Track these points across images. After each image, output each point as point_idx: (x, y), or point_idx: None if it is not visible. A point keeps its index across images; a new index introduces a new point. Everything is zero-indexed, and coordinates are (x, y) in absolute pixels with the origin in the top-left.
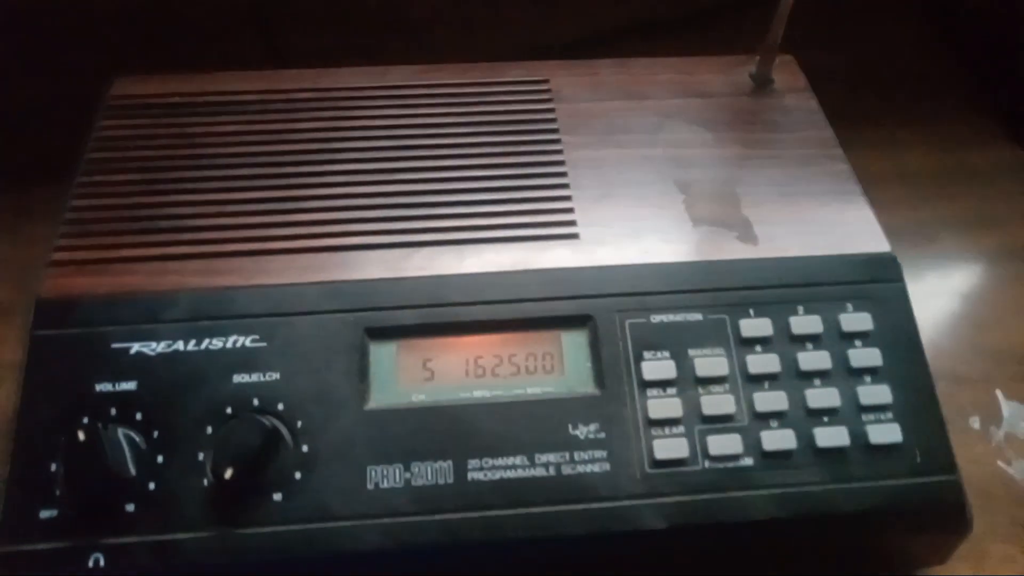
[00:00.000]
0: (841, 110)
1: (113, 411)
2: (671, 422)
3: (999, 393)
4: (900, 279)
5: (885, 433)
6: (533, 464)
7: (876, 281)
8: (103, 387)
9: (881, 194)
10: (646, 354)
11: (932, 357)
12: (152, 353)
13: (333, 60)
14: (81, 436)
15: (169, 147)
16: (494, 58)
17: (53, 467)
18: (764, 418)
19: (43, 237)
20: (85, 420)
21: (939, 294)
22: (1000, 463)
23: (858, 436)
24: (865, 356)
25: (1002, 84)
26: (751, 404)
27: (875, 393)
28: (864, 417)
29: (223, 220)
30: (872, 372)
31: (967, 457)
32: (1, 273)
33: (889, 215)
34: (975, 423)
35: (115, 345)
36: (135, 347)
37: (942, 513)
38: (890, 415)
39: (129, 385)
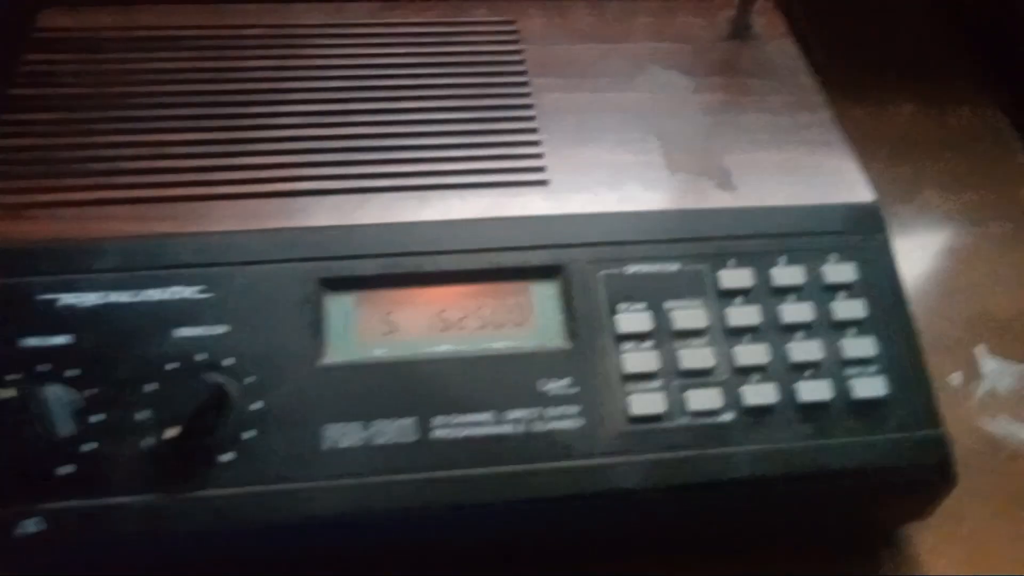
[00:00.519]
0: (829, 66)
1: (43, 367)
2: (647, 376)
3: (979, 350)
4: (883, 229)
5: (870, 387)
6: (501, 421)
7: (860, 232)
8: (30, 341)
9: (865, 150)
10: (621, 306)
11: (914, 315)
12: (84, 305)
13: None
14: (8, 394)
15: (100, 84)
16: None
17: None
18: (745, 372)
19: None
20: (12, 377)
21: (922, 253)
22: (981, 420)
23: (842, 390)
24: (849, 308)
25: (990, 45)
26: (731, 358)
27: (859, 346)
28: (848, 371)
29: (161, 163)
30: (856, 324)
31: (949, 416)
32: None
33: (872, 171)
34: (956, 380)
35: (41, 296)
36: (65, 298)
37: (927, 468)
38: (874, 368)
39: (60, 339)
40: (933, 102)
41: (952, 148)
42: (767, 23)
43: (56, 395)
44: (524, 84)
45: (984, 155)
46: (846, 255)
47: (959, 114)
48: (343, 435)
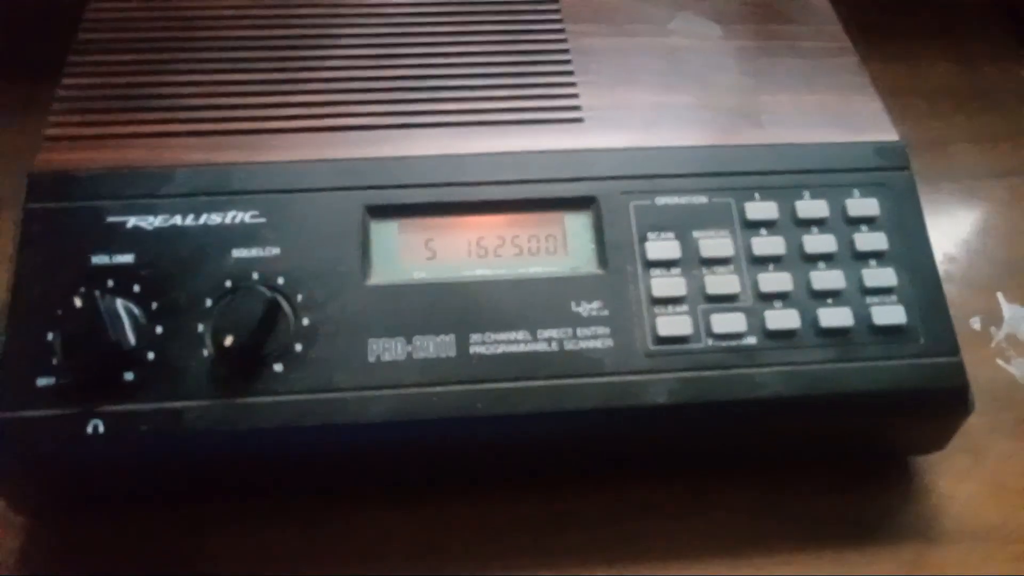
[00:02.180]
0: (861, 21)
1: (110, 283)
2: (675, 300)
3: (1000, 295)
4: (907, 167)
5: (889, 314)
6: (535, 339)
7: (884, 169)
8: (99, 260)
9: (898, 107)
10: (650, 235)
11: (939, 263)
12: (149, 227)
13: None
14: (78, 303)
15: (163, 28)
16: None
17: (50, 336)
18: (768, 298)
19: (23, 129)
20: (82, 289)
21: (950, 204)
22: (1000, 362)
23: (862, 317)
24: (871, 240)
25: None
26: (755, 284)
27: (880, 276)
28: (868, 299)
29: (222, 100)
30: (877, 256)
31: (970, 357)
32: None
33: (906, 128)
34: (976, 324)
35: (111, 219)
36: (132, 220)
37: (944, 394)
38: (894, 298)
39: (126, 258)
40: (965, 59)
41: (983, 103)
42: None
43: (121, 307)
44: (560, 30)
45: (1015, 110)
46: (870, 191)
47: (990, 70)
48: (386, 349)
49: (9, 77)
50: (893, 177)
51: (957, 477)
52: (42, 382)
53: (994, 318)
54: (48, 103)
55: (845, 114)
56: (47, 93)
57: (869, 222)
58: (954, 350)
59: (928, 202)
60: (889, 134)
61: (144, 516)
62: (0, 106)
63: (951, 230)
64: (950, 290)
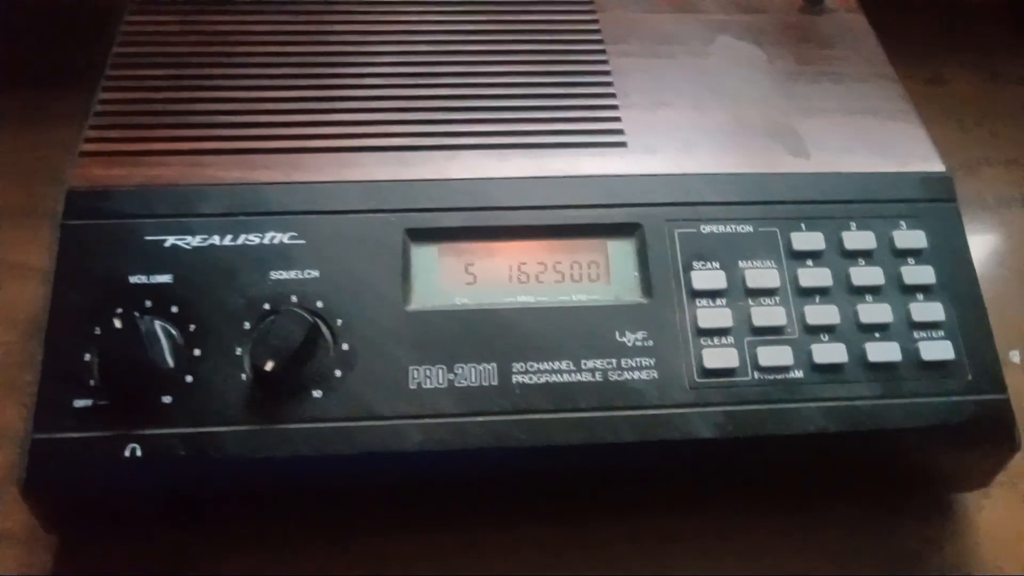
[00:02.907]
0: (888, 39)
1: (148, 303)
2: (721, 332)
3: None
4: (954, 199)
5: (937, 350)
6: (579, 369)
7: (930, 200)
8: (137, 279)
9: (925, 123)
10: (696, 264)
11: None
12: (187, 247)
13: None
14: (117, 324)
15: (200, 43)
16: None
17: (87, 357)
18: (815, 331)
19: (59, 140)
20: (120, 310)
21: (983, 229)
22: None
23: (910, 352)
24: (918, 273)
25: None
26: (802, 317)
27: (928, 310)
28: (916, 334)
29: (259, 117)
30: (925, 289)
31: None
32: (16, 174)
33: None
34: (1015, 357)
35: (149, 237)
36: (170, 240)
37: (991, 431)
38: (942, 332)
39: (164, 278)
40: (993, 77)
41: (1011, 125)
42: None
43: (159, 329)
44: (601, 51)
45: None
46: (916, 222)
47: (1019, 90)
48: (427, 377)
49: (19, 84)
50: (939, 209)
51: (999, 513)
52: (79, 403)
53: None
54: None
55: (890, 142)
56: (66, 100)
57: (916, 255)
58: (1001, 387)
59: None
60: (935, 165)
61: (175, 537)
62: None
63: (984, 258)
64: None
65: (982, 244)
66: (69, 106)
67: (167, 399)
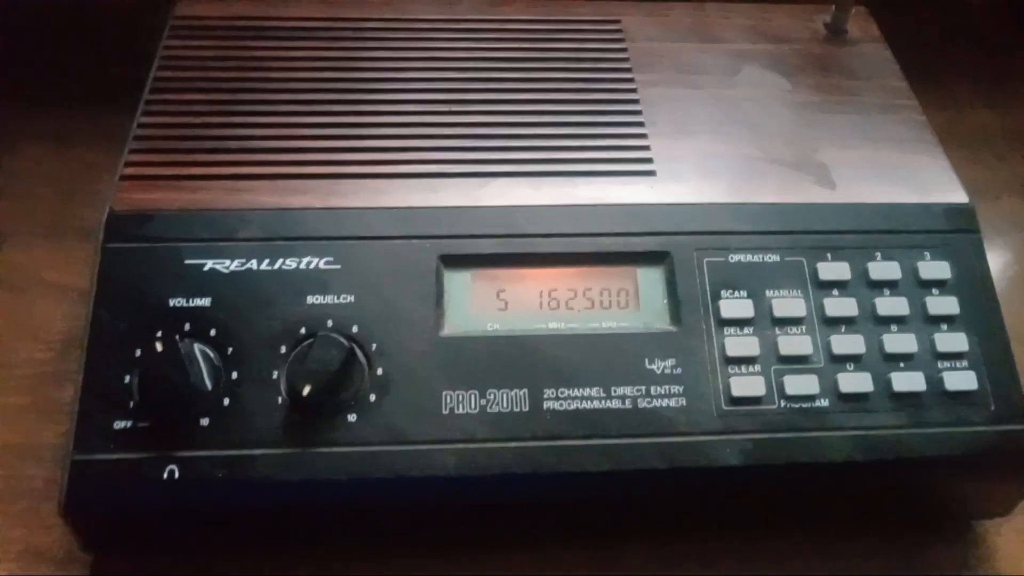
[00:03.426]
0: (904, 66)
1: (187, 326)
2: (748, 360)
3: None
4: (977, 230)
5: (961, 380)
6: (609, 396)
7: (955, 231)
8: (177, 302)
9: (947, 153)
10: (724, 292)
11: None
12: (226, 270)
13: None
14: (159, 347)
15: (237, 69)
16: None
17: (127, 379)
18: (841, 360)
19: (93, 160)
20: (160, 333)
21: (999, 257)
22: None
23: (934, 382)
24: (942, 304)
25: None
26: (828, 346)
27: (952, 340)
28: (940, 364)
29: (296, 143)
30: (949, 320)
31: None
32: (49, 194)
33: None
34: None
35: (189, 261)
36: (209, 263)
37: (1014, 461)
38: (966, 363)
39: (203, 301)
40: (1010, 109)
41: None
42: (860, 27)
43: (198, 351)
44: (629, 80)
45: None
46: (941, 253)
47: None
48: (460, 402)
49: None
50: (963, 240)
51: (1021, 539)
52: (119, 425)
53: None
54: (103, 132)
55: (913, 173)
56: (101, 121)
57: (940, 285)
58: (1023, 417)
59: None
60: (959, 196)
61: (209, 558)
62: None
63: (1002, 283)
64: None
65: (1001, 273)
66: (103, 126)
67: (205, 421)
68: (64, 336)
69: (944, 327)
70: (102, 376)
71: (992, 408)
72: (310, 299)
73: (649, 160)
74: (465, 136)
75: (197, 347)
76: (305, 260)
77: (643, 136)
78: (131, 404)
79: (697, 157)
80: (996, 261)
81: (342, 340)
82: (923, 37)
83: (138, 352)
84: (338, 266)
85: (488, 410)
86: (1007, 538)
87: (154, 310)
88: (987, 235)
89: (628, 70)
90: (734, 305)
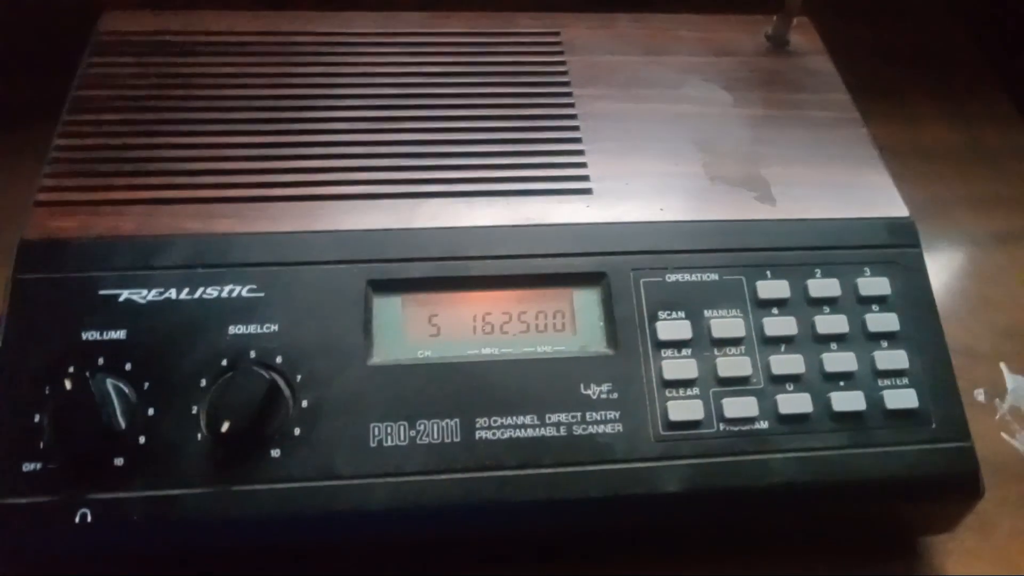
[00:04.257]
0: (859, 81)
1: (101, 360)
2: (686, 383)
3: (1004, 366)
4: (918, 244)
5: (901, 399)
6: (544, 424)
7: (894, 246)
8: (90, 335)
9: (897, 168)
10: (661, 314)
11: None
12: (143, 301)
13: (331, 2)
14: (68, 385)
15: (161, 87)
16: (504, 7)
17: (37, 418)
18: (780, 381)
19: (21, 178)
20: (72, 369)
21: (950, 270)
22: (1005, 436)
23: (874, 401)
24: (882, 321)
25: (1019, 64)
26: (767, 367)
27: (892, 358)
28: (880, 382)
29: (219, 164)
30: (889, 337)
31: (974, 429)
32: None
33: (903, 189)
34: (980, 396)
35: (103, 291)
36: (125, 294)
37: (956, 479)
38: (906, 381)
39: (118, 334)
40: (962, 120)
41: (982, 167)
42: (804, 39)
43: (112, 388)
44: (568, 94)
45: (1014, 174)
46: (880, 269)
47: (989, 132)
48: (389, 434)
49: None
50: (903, 255)
51: (966, 556)
52: (28, 467)
53: (998, 389)
54: (26, 149)
55: (854, 188)
56: (22, 137)
57: (880, 302)
58: (965, 435)
59: (928, 267)
60: (899, 210)
61: None
62: None
63: (951, 296)
64: (952, 358)
65: (950, 283)
66: (35, 144)
67: (119, 461)
68: None
69: (884, 344)
70: (11, 416)
71: (933, 426)
72: (232, 329)
73: (586, 178)
74: (398, 155)
75: (110, 383)
76: (227, 288)
77: (580, 153)
78: (41, 445)
79: (635, 174)
80: (944, 275)
81: (263, 372)
82: (878, 52)
83: (48, 390)
84: (262, 294)
85: (418, 441)
86: (955, 557)
87: (66, 344)
88: (939, 249)
89: (567, 84)
90: (672, 326)
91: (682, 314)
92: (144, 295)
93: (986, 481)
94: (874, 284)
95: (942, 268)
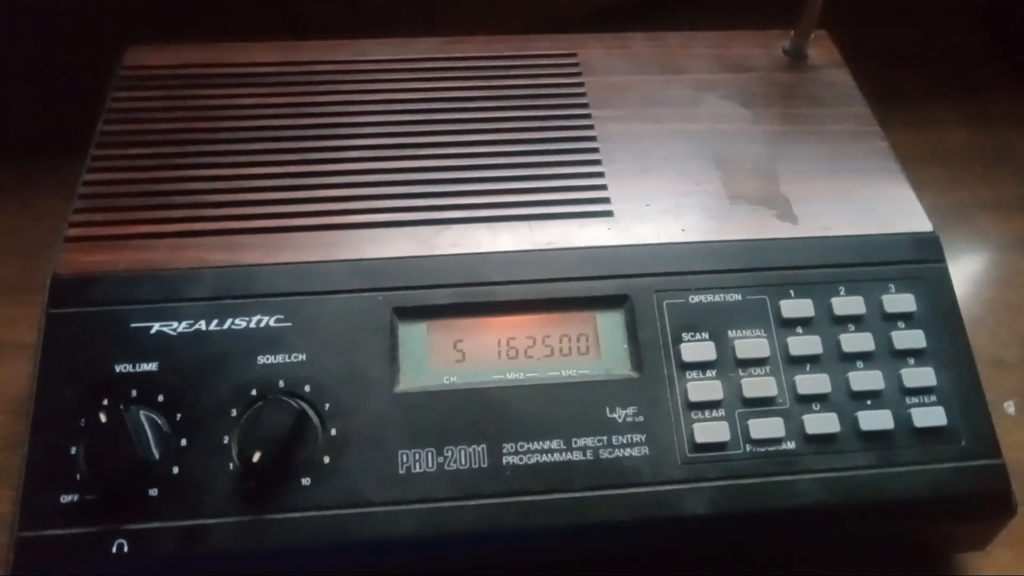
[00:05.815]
0: (878, 87)
1: (134, 393)
2: (711, 405)
3: None
4: (942, 259)
5: (930, 416)
6: (570, 448)
7: (919, 262)
8: (123, 368)
9: (918, 174)
10: (685, 335)
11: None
12: (173, 333)
13: (348, 31)
14: (103, 418)
15: (185, 119)
16: (517, 30)
17: (73, 450)
18: (806, 401)
19: (52, 211)
20: (106, 402)
21: (975, 279)
22: None
23: (902, 420)
24: (908, 338)
25: None
26: (793, 387)
27: (919, 376)
28: (908, 400)
29: (244, 195)
30: (916, 354)
31: (1003, 442)
32: (9, 248)
33: (926, 195)
34: (1010, 408)
35: (135, 324)
36: (156, 326)
37: (987, 497)
38: (934, 398)
39: (150, 366)
40: (984, 124)
41: (1005, 170)
42: (822, 52)
43: (145, 420)
44: (587, 116)
45: None
46: (905, 285)
47: (1011, 135)
48: (417, 460)
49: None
50: (928, 270)
51: (1000, 572)
52: (65, 499)
53: None
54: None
55: (877, 203)
56: (48, 171)
57: (906, 318)
58: (996, 452)
59: (953, 276)
60: (923, 224)
61: None
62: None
63: (977, 304)
64: (978, 370)
65: (976, 291)
66: (65, 176)
67: (154, 492)
68: (20, 397)
69: (911, 361)
70: (48, 448)
71: (963, 443)
72: (260, 359)
73: (607, 200)
74: (418, 182)
75: (144, 415)
76: (255, 319)
77: (600, 175)
78: (78, 476)
79: (656, 195)
80: (969, 283)
81: (292, 403)
82: (896, 57)
83: (83, 422)
84: (289, 323)
85: (446, 467)
86: (986, 570)
87: (100, 377)
88: (963, 256)
89: (585, 105)
90: (695, 348)
91: (706, 335)
92: (175, 327)
93: (1019, 496)
94: (899, 301)
95: (967, 276)
